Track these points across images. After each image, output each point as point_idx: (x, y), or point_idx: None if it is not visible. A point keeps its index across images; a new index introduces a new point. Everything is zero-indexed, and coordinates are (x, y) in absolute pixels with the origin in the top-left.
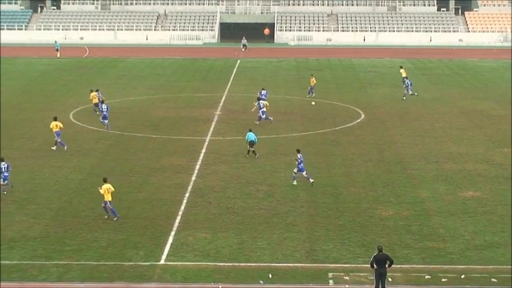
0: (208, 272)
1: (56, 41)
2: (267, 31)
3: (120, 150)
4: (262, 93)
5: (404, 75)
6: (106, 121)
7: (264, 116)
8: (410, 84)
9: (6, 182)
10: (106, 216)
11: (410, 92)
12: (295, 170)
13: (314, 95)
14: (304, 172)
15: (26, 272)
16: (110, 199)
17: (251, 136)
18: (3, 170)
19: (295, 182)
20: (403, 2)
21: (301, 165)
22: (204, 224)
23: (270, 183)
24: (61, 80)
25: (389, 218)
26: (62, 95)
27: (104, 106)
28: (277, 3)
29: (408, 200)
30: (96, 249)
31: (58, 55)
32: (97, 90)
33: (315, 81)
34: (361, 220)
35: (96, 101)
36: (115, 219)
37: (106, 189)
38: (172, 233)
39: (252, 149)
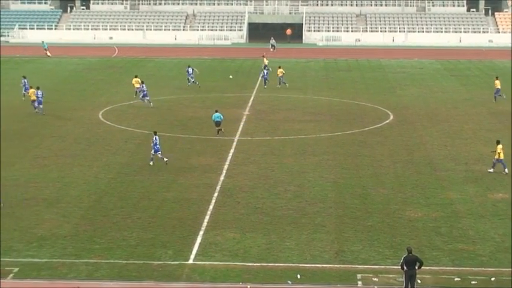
0: (237, 272)
1: (43, 41)
2: (289, 31)
3: (149, 150)
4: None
5: (498, 86)
6: (147, 98)
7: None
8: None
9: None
10: None
11: (500, 96)
12: (152, 152)
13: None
14: (159, 153)
15: (56, 270)
16: None
17: (217, 117)
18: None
19: (151, 163)
20: (433, 3)
21: (157, 146)
22: (233, 224)
23: (298, 183)
24: (90, 80)
25: (419, 219)
26: (91, 94)
27: (144, 86)
28: (305, 4)
29: (437, 201)
30: (125, 248)
31: (48, 54)
32: (136, 76)
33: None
34: (390, 221)
35: (138, 85)
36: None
37: None
38: (201, 233)
39: (219, 128)
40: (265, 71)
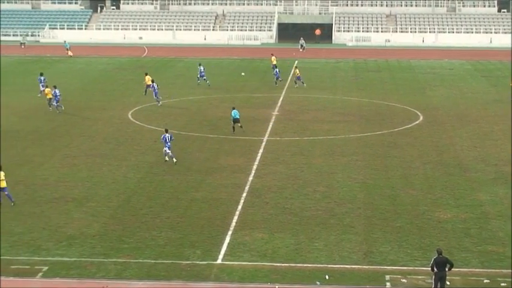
0: (265, 272)
1: (65, 41)
2: (318, 31)
3: (178, 150)
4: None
5: None
6: (159, 97)
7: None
8: None
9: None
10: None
11: None
12: (165, 149)
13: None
14: (170, 150)
15: (85, 269)
16: (4, 186)
17: (235, 114)
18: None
19: (166, 158)
20: (463, 3)
21: (168, 143)
22: (261, 224)
23: (327, 184)
24: (120, 80)
25: (448, 220)
26: (121, 94)
27: (155, 84)
28: (335, 4)
29: (467, 203)
30: (154, 247)
31: (70, 53)
32: (146, 74)
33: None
34: (419, 223)
35: (149, 82)
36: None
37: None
38: (229, 233)
39: (239, 125)
40: (277, 70)
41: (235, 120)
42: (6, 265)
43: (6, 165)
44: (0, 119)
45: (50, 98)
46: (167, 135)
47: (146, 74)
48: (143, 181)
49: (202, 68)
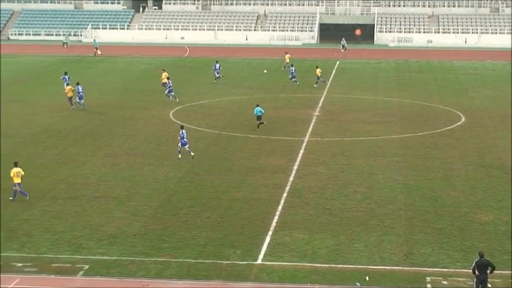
0: (305, 272)
1: (94, 39)
2: (358, 32)
3: (219, 150)
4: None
5: None
6: (172, 93)
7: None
8: None
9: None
10: (11, 198)
11: None
12: (179, 145)
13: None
14: (187, 146)
15: (125, 268)
16: (19, 181)
17: (258, 111)
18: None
19: (179, 156)
20: (506, 3)
21: (184, 140)
22: (301, 225)
23: (368, 185)
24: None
25: (490, 223)
26: (162, 94)
27: (170, 82)
28: (377, 4)
29: (509, 204)
30: (194, 247)
31: (99, 52)
32: (164, 70)
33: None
34: (460, 224)
35: (165, 80)
36: (27, 198)
37: (16, 173)
38: (270, 233)
39: (261, 122)
40: (293, 68)
41: (259, 118)
42: (48, 263)
43: (48, 164)
44: (0, 118)
45: (71, 97)
46: (184, 131)
47: (163, 71)
48: (184, 181)
49: (218, 65)
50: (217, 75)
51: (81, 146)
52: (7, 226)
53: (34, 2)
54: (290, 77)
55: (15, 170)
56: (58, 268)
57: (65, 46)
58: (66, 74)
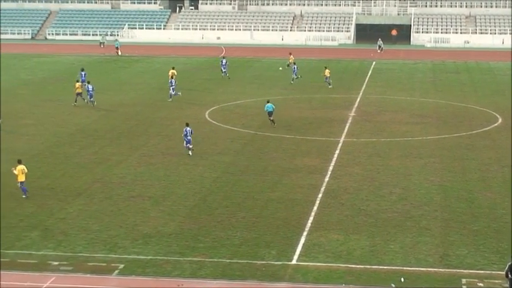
0: (340, 273)
1: (116, 39)
2: (394, 32)
3: (254, 150)
4: None
5: None
6: (175, 92)
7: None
8: None
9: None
10: (24, 196)
11: None
12: (185, 144)
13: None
14: (189, 145)
15: (160, 268)
16: (23, 180)
17: (269, 107)
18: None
19: (190, 153)
20: None
21: (188, 138)
22: (337, 226)
23: (403, 186)
24: (198, 79)
25: None
26: (198, 93)
27: (174, 81)
28: (414, 5)
29: None
30: (229, 247)
31: (119, 53)
32: (173, 68)
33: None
34: (496, 226)
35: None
36: (23, 196)
37: (20, 170)
38: (305, 234)
39: (271, 119)
40: (295, 67)
41: (270, 114)
42: (83, 262)
43: (84, 163)
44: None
45: (79, 93)
46: (188, 128)
47: (173, 68)
48: (219, 181)
49: (224, 61)
50: (223, 71)
51: (117, 146)
52: (43, 225)
53: (71, 2)
54: (293, 75)
55: (20, 168)
56: (93, 267)
57: (102, 46)
58: (82, 70)
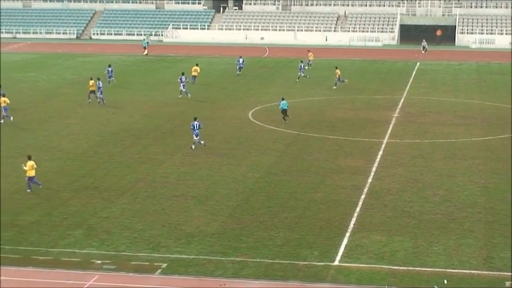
0: (382, 275)
1: (144, 38)
2: (438, 32)
3: (297, 150)
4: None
5: None
6: (184, 89)
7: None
8: None
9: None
10: (28, 190)
11: None
12: (194, 137)
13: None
14: (198, 138)
15: (203, 267)
16: (33, 175)
17: (284, 104)
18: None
19: (193, 147)
20: None
21: (196, 131)
22: (379, 227)
23: (447, 187)
24: (241, 79)
25: None
26: (241, 94)
27: (184, 77)
28: (459, 5)
29: None
30: (272, 247)
31: (146, 52)
32: (197, 65)
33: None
34: None
35: (195, 73)
36: (40, 186)
37: (30, 166)
38: (347, 235)
39: (286, 115)
40: (302, 65)
41: (284, 111)
42: (126, 261)
43: (128, 162)
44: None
45: (93, 91)
46: (196, 122)
47: (196, 65)
48: (262, 181)
49: (241, 60)
50: (239, 69)
51: (160, 145)
52: (87, 223)
53: (116, 2)
54: (299, 73)
55: (30, 164)
56: (136, 266)
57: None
58: (110, 66)
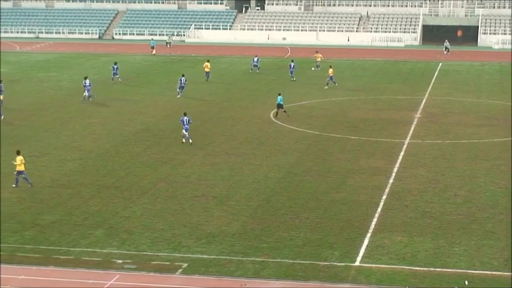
0: (403, 275)
1: (152, 39)
2: (459, 32)
3: (319, 151)
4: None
5: None
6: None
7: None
8: None
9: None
10: (14, 185)
11: None
12: (184, 131)
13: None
14: (187, 132)
15: (224, 267)
16: (23, 169)
17: (280, 99)
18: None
19: (183, 140)
20: None
21: (186, 126)
22: (400, 228)
23: (468, 188)
24: (263, 80)
25: None
26: (263, 94)
27: (183, 79)
28: (481, 6)
29: None
30: (292, 247)
31: (153, 52)
32: (208, 61)
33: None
34: None
35: (207, 70)
36: (30, 186)
37: (20, 160)
38: (368, 235)
39: (283, 110)
40: (292, 64)
41: (279, 106)
42: (147, 261)
43: (149, 162)
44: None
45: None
46: (185, 118)
47: (207, 61)
48: (283, 181)
49: (256, 58)
50: (254, 68)
51: (181, 145)
52: (108, 223)
53: (138, 2)
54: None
55: (20, 158)
56: (157, 266)
57: (168, 46)
58: (116, 63)
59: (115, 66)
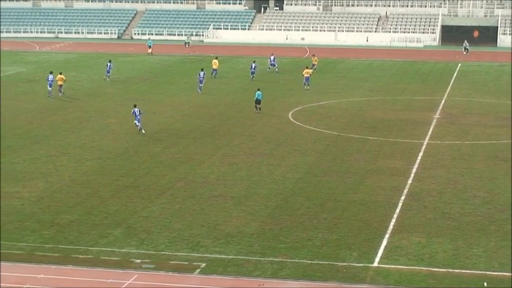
0: (422, 276)
1: (149, 38)
2: (476, 33)
3: (337, 151)
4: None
5: None
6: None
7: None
8: None
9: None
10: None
11: None
12: (136, 122)
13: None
14: (140, 123)
15: (242, 267)
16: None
17: (258, 95)
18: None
19: (143, 131)
20: None
21: (138, 117)
22: (419, 228)
23: (488, 189)
24: (281, 80)
25: None
26: (281, 94)
27: (202, 73)
28: (501, 6)
29: None
30: (311, 248)
31: (150, 51)
32: (216, 58)
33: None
34: None
35: (215, 67)
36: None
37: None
38: (387, 236)
39: (259, 106)
40: (253, 65)
41: (257, 101)
42: (165, 260)
43: (168, 162)
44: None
45: (61, 85)
46: (135, 109)
47: (216, 58)
48: (302, 181)
49: (273, 57)
50: (271, 67)
51: (200, 145)
52: (126, 223)
53: (157, 2)
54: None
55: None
56: (175, 265)
57: (187, 46)
58: (110, 61)
59: (109, 64)
